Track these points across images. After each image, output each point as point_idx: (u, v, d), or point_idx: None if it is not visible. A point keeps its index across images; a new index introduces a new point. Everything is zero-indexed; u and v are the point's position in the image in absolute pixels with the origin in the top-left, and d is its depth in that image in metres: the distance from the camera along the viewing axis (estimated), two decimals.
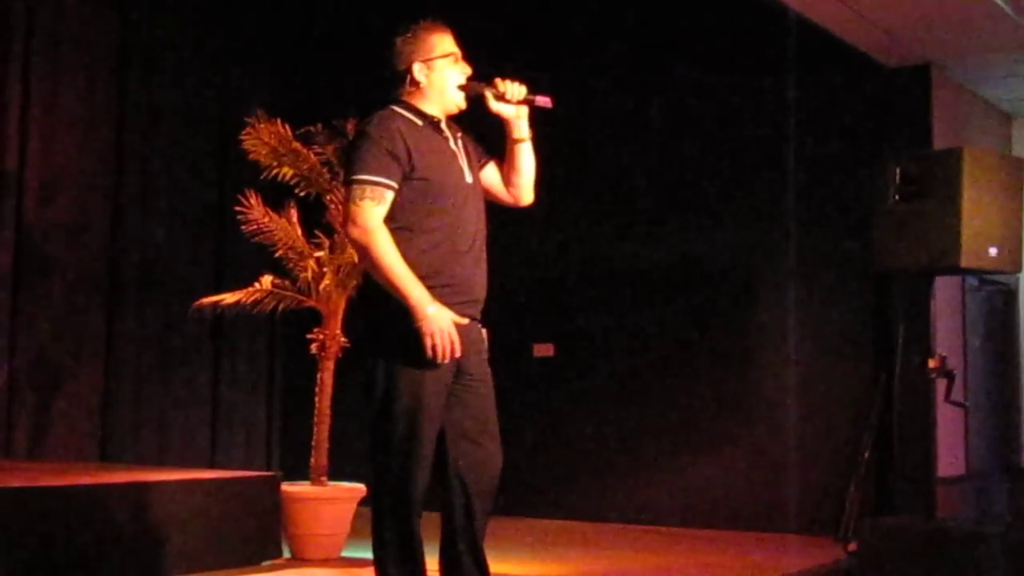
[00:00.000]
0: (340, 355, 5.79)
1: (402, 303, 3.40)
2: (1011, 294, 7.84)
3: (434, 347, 3.38)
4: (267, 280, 5.85)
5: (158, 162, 7.41)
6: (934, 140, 6.65)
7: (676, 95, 7.26)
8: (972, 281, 7.23)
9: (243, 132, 5.87)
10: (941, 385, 5.96)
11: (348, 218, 3.47)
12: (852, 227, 6.54)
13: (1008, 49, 6.58)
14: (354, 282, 5.76)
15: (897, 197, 5.65)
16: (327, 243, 5.82)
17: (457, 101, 3.66)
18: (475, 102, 3.69)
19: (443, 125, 3.66)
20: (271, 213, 5.85)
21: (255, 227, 5.82)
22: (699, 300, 7.14)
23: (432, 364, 3.42)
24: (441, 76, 3.63)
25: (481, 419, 3.59)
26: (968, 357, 7.15)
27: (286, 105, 6.57)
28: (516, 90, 3.66)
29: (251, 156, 5.85)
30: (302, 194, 5.91)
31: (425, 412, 3.45)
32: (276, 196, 5.99)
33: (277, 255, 5.89)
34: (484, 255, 3.65)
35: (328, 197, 5.80)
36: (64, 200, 6.91)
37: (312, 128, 5.88)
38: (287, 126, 5.85)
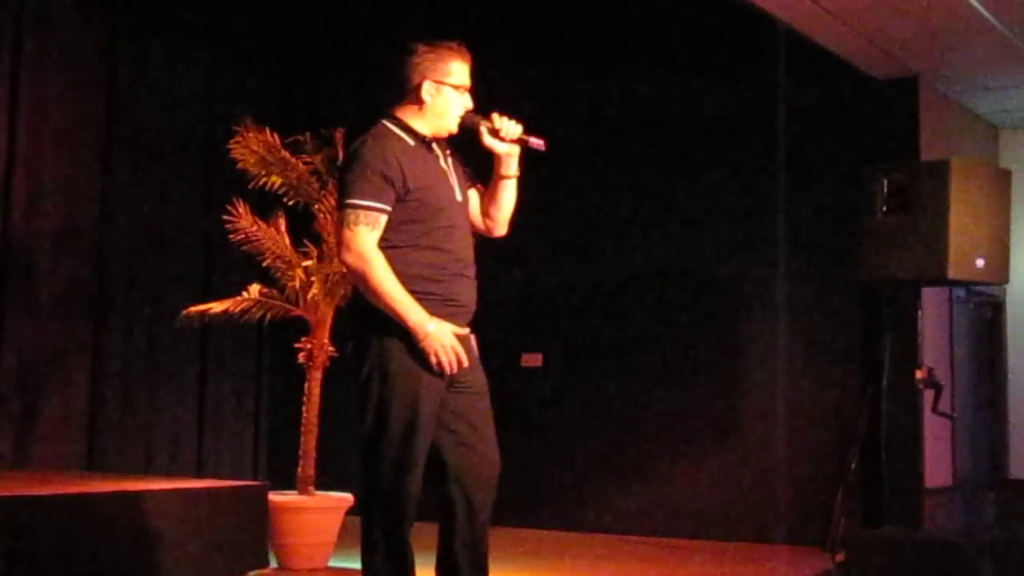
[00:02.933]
0: (328, 365, 5.78)
1: (400, 323, 3.43)
2: (998, 305, 7.86)
3: (440, 363, 3.43)
4: (255, 289, 5.84)
5: (145, 171, 7.39)
6: (922, 152, 6.67)
7: (665, 105, 7.27)
8: (959, 292, 7.25)
9: (231, 140, 5.86)
10: (928, 396, 5.98)
11: (342, 243, 3.48)
12: (840, 238, 6.55)
13: (995, 61, 6.60)
14: (342, 292, 5.75)
15: (885, 208, 5.67)
16: (315, 252, 5.81)
17: (450, 127, 3.65)
18: (468, 132, 3.67)
19: (434, 144, 3.66)
20: (259, 222, 5.84)
21: (243, 236, 5.81)
22: (687, 310, 7.14)
23: (435, 374, 3.47)
24: (445, 101, 3.62)
25: (477, 425, 3.60)
26: (955, 368, 7.16)
27: (274, 114, 6.56)
28: (511, 128, 3.64)
29: (239, 165, 5.85)
30: (290, 203, 5.91)
31: (420, 422, 3.46)
32: (264, 205, 5.98)
33: (265, 264, 5.88)
34: (474, 274, 3.67)
35: (316, 206, 5.79)
36: (51, 208, 6.89)
37: (300, 137, 5.87)
38: (275, 135, 5.84)
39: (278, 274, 5.86)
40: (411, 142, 3.59)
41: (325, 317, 5.78)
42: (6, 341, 6.62)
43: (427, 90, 3.60)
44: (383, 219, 3.47)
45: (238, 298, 5.82)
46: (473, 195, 3.77)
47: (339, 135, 5.81)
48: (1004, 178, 5.79)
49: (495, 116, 3.65)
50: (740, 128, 7.05)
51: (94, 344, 7.05)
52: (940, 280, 5.68)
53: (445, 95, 3.61)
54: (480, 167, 3.76)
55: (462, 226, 3.64)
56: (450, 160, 3.69)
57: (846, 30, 6.12)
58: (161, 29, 7.53)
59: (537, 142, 3.66)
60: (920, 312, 5.83)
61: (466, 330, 3.58)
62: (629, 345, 7.27)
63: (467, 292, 3.61)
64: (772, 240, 6.87)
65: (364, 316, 3.52)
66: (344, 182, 3.54)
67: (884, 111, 6.81)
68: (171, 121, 7.56)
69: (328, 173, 5.82)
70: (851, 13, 5.91)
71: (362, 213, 3.45)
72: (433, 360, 3.43)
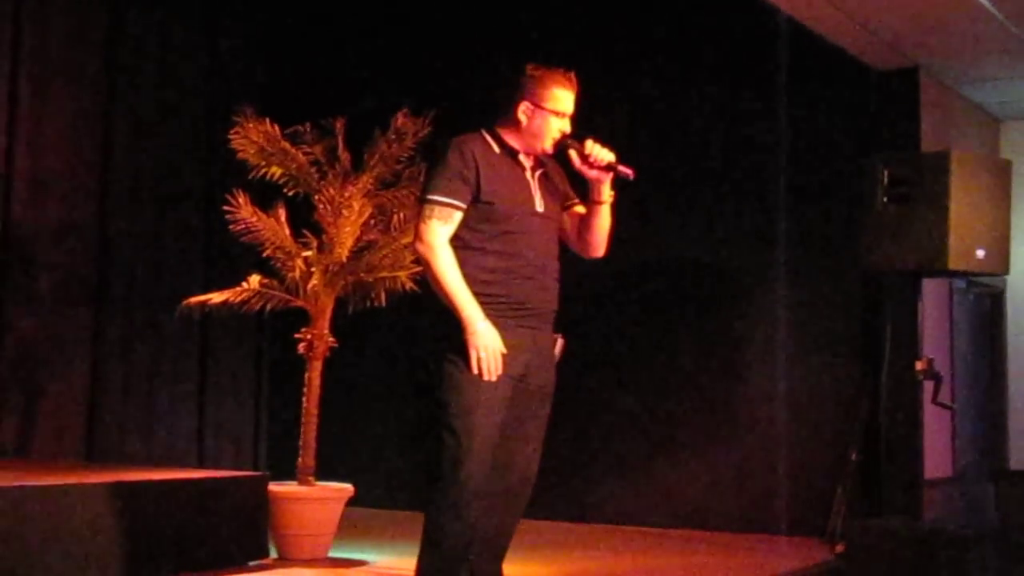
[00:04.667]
0: (327, 355, 5.78)
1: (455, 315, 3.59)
2: (998, 296, 7.86)
3: (479, 360, 3.57)
4: (255, 280, 5.83)
5: (145, 162, 7.39)
6: (922, 143, 6.66)
7: (666, 97, 7.26)
8: (960, 283, 7.25)
9: (231, 131, 5.85)
10: (928, 387, 5.98)
11: (416, 234, 3.71)
12: (841, 229, 6.54)
13: (996, 52, 6.60)
14: (341, 282, 5.76)
15: (885, 199, 5.67)
16: (315, 243, 5.80)
17: (543, 148, 3.82)
18: (561, 155, 3.83)
19: (521, 156, 3.82)
20: (259, 212, 5.83)
21: (243, 226, 5.80)
22: (688, 301, 7.13)
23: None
24: (540, 124, 3.81)
25: (530, 423, 3.78)
26: (955, 359, 7.16)
27: (274, 104, 6.54)
28: (601, 155, 3.82)
29: (239, 155, 5.84)
30: (290, 193, 5.90)
31: (487, 418, 3.61)
32: (264, 195, 5.97)
33: (265, 255, 5.88)
34: (553, 280, 3.84)
35: (316, 197, 5.79)
36: (51, 200, 6.88)
37: (301, 127, 5.86)
38: (275, 125, 5.83)
39: (278, 264, 5.85)
40: (496, 149, 3.78)
41: (325, 307, 5.78)
42: (7, 331, 6.62)
43: (523, 110, 3.80)
44: (457, 215, 3.67)
45: (238, 288, 5.82)
46: (569, 216, 3.96)
47: (339, 125, 5.80)
48: (1004, 169, 5.78)
49: (589, 142, 3.82)
50: (741, 119, 7.03)
51: (94, 334, 7.05)
52: (940, 271, 5.68)
53: (539, 117, 3.80)
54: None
55: (537, 234, 3.79)
56: (538, 174, 3.85)
57: (847, 20, 6.11)
58: (161, 17, 7.52)
59: (625, 171, 3.84)
60: (920, 303, 5.83)
61: (555, 337, 3.83)
62: (628, 337, 7.26)
63: (537, 295, 3.77)
64: (773, 231, 6.86)
65: (438, 320, 3.66)
66: (426, 178, 3.76)
67: (885, 102, 6.80)
68: (171, 111, 7.55)
69: (328, 164, 5.81)
70: (851, 3, 5.90)
71: (437, 208, 3.66)
72: (473, 355, 3.56)
